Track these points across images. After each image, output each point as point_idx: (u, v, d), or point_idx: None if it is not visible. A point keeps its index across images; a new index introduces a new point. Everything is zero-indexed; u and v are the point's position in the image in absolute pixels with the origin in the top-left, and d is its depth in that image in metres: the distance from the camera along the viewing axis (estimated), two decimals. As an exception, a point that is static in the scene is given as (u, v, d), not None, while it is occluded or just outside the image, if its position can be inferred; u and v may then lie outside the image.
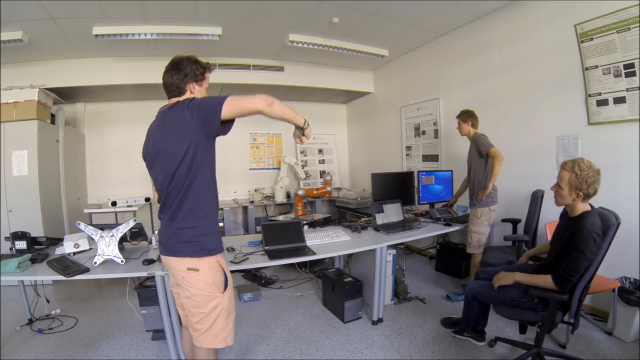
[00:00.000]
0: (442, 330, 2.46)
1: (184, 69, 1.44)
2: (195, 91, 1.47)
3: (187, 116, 1.30)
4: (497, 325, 2.44)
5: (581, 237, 1.58)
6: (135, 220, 2.15)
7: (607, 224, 1.60)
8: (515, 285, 1.82)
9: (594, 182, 1.61)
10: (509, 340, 2.17)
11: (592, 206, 1.72)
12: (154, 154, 1.41)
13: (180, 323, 1.74)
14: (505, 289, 1.86)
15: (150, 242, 2.43)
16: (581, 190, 1.63)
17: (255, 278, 3.53)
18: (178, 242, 1.38)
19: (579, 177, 1.62)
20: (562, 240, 1.73)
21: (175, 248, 1.39)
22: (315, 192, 3.99)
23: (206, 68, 1.51)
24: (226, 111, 1.28)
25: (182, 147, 1.31)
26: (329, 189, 3.94)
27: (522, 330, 2.17)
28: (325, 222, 3.41)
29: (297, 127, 1.55)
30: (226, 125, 1.34)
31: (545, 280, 1.69)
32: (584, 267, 1.59)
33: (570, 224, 1.71)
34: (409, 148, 4.66)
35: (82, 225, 2.04)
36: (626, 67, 2.33)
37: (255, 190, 5.17)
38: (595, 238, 1.56)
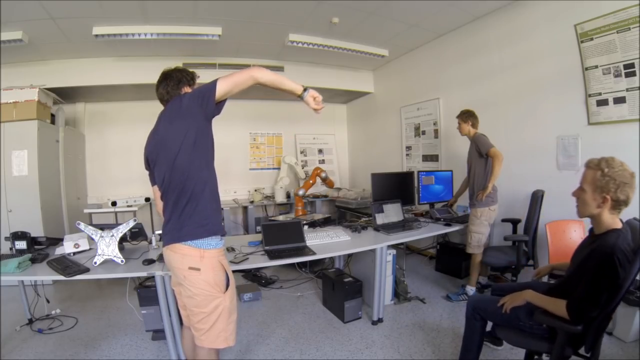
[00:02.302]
0: (442, 330, 2.46)
1: (175, 77, 1.52)
2: None
3: (185, 102, 1.37)
4: (504, 348, 2.16)
5: (598, 261, 1.26)
6: (135, 220, 2.16)
7: None
8: (526, 305, 1.50)
9: (625, 183, 1.26)
10: None
11: (623, 223, 1.37)
12: (156, 149, 1.44)
13: (181, 323, 1.74)
14: (513, 308, 1.55)
15: (150, 242, 2.43)
16: (608, 193, 1.27)
17: (255, 278, 3.53)
18: (183, 225, 1.38)
19: (605, 174, 1.27)
20: (578, 262, 1.44)
21: (180, 232, 1.39)
22: (311, 182, 4.01)
23: (194, 74, 1.60)
24: (220, 89, 1.35)
25: (182, 130, 1.36)
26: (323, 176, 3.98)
27: (528, 359, 1.81)
28: (325, 222, 3.42)
29: (297, 95, 1.57)
30: (219, 105, 1.40)
31: (558, 306, 1.35)
32: (603, 297, 1.25)
33: (591, 242, 1.41)
34: (409, 148, 4.66)
35: (82, 225, 2.04)
36: (626, 67, 2.33)
37: (255, 190, 5.17)
38: (616, 263, 1.21)
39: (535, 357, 1.73)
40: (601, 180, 1.29)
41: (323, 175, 3.95)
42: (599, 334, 1.37)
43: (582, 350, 1.42)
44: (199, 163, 1.40)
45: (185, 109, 1.36)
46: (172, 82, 1.50)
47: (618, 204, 1.30)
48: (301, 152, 5.94)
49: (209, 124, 1.44)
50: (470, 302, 1.81)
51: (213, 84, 1.35)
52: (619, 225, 1.33)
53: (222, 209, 4.53)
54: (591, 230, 1.48)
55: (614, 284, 1.23)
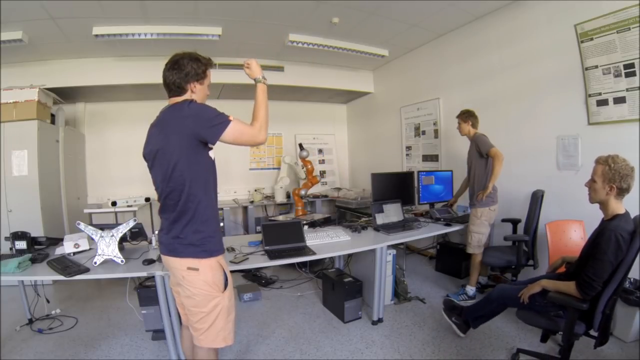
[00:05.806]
0: (442, 330, 2.46)
1: (184, 69, 1.42)
2: (197, 90, 1.46)
3: (188, 121, 1.32)
4: (519, 335, 2.31)
5: (604, 238, 1.54)
6: (135, 220, 2.15)
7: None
8: (542, 291, 1.77)
9: (627, 175, 1.58)
10: (533, 353, 2.01)
11: (626, 210, 1.67)
12: (154, 154, 1.40)
13: (181, 323, 1.74)
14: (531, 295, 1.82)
15: (150, 242, 2.42)
16: (614, 183, 1.59)
17: (255, 278, 3.53)
18: (181, 245, 1.38)
19: (612, 168, 1.60)
20: (588, 244, 1.73)
21: (177, 249, 1.39)
22: (310, 184, 4.04)
23: (207, 65, 1.49)
24: (228, 138, 1.35)
25: (180, 149, 1.32)
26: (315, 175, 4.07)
27: (544, 338, 2.11)
28: (325, 222, 3.41)
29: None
30: None
31: (569, 286, 1.64)
32: (607, 271, 1.52)
33: (599, 227, 1.69)
34: (409, 148, 4.66)
35: (82, 225, 2.04)
36: (626, 67, 2.33)
37: (255, 190, 5.17)
38: (618, 239, 1.50)
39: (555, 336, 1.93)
40: (609, 173, 1.61)
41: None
42: (608, 316, 1.60)
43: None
44: (198, 189, 1.37)
45: (185, 130, 1.31)
46: (181, 73, 1.41)
47: (622, 192, 1.62)
48: (301, 152, 5.93)
49: (206, 145, 1.41)
50: (497, 289, 2.09)
51: (223, 127, 1.32)
52: (623, 211, 1.63)
53: (222, 209, 4.58)
54: (601, 220, 1.74)
55: (614, 257, 1.50)
